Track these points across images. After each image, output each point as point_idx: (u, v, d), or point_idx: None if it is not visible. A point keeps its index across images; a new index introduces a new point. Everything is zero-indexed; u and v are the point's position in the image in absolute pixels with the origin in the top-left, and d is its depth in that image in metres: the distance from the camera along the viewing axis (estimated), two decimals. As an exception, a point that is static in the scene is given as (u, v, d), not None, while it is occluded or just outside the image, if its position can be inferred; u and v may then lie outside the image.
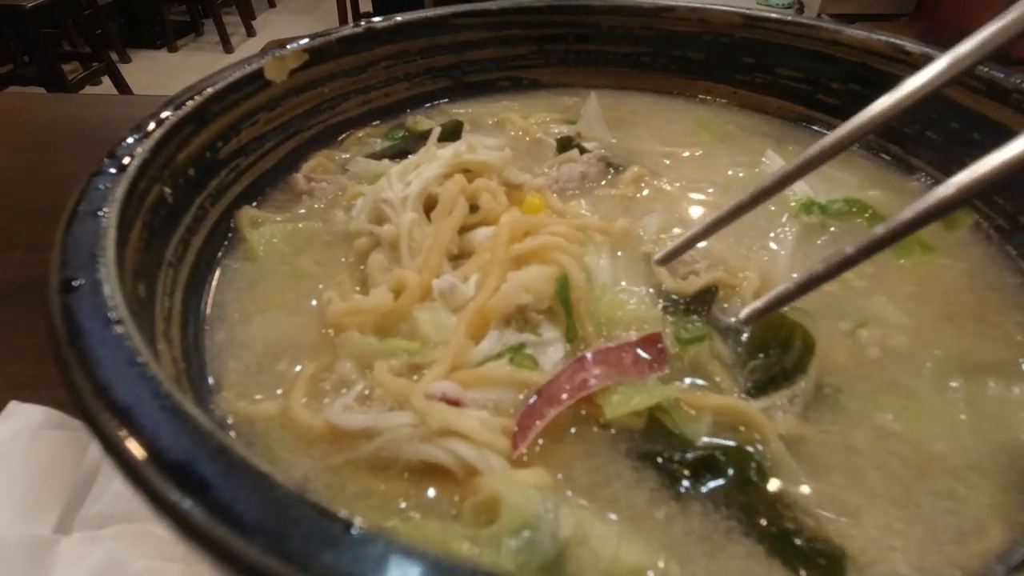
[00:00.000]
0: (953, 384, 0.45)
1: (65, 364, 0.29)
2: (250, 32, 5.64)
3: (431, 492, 0.39)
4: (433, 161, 0.60)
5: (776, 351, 0.47)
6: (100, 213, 0.40)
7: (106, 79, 4.07)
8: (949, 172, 0.71)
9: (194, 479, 0.24)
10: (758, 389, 0.46)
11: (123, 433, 0.26)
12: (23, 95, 1.36)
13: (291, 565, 0.22)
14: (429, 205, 0.58)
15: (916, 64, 0.69)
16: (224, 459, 0.25)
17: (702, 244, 0.60)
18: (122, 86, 4.01)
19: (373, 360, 0.46)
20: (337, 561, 0.22)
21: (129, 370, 0.29)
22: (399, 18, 0.79)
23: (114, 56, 4.32)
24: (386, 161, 0.67)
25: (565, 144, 0.74)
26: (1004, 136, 0.60)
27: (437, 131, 0.65)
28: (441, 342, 0.47)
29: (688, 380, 0.46)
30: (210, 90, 0.56)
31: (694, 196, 0.68)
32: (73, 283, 0.34)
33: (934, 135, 0.69)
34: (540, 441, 0.41)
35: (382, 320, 0.50)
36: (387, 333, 0.49)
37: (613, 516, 0.38)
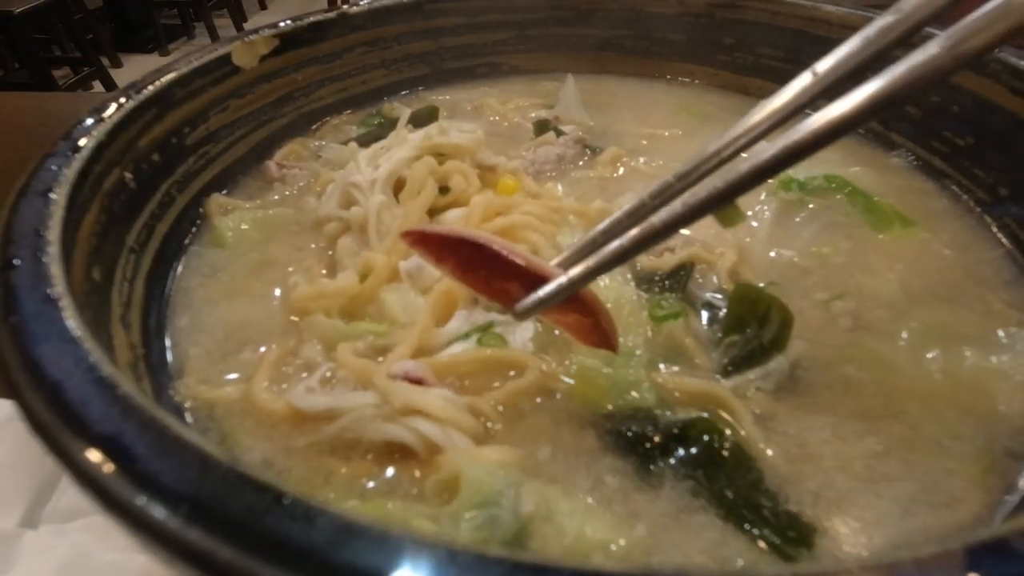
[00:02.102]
0: (930, 355, 0.44)
1: (-4, 340, 0.28)
2: (242, 34, 5.62)
3: (393, 472, 0.38)
4: (403, 144, 0.59)
5: (754, 327, 0.46)
6: (49, 194, 0.39)
7: (97, 83, 4.06)
8: (930, 147, 0.71)
9: (120, 451, 0.23)
10: (734, 366, 0.45)
11: (49, 407, 0.25)
12: (6, 94, 1.34)
13: (215, 536, 0.21)
14: (399, 188, 0.57)
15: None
16: (153, 431, 0.24)
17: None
18: (113, 90, 3.99)
19: (338, 343, 0.45)
20: (265, 531, 0.21)
21: (62, 347, 0.28)
22: (374, 4, 0.78)
23: (105, 60, 4.31)
24: (353, 144, 0.66)
25: (542, 127, 0.73)
26: (984, 108, 0.60)
27: (407, 114, 0.64)
28: (409, 323, 0.46)
29: (663, 358, 0.45)
30: (172, 75, 0.55)
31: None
32: (14, 261, 0.33)
33: (914, 110, 0.67)
34: (500, 408, 0.40)
35: (349, 303, 0.49)
36: (355, 316, 0.48)
37: (580, 491, 0.37)
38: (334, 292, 0.48)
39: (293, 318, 0.49)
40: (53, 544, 0.48)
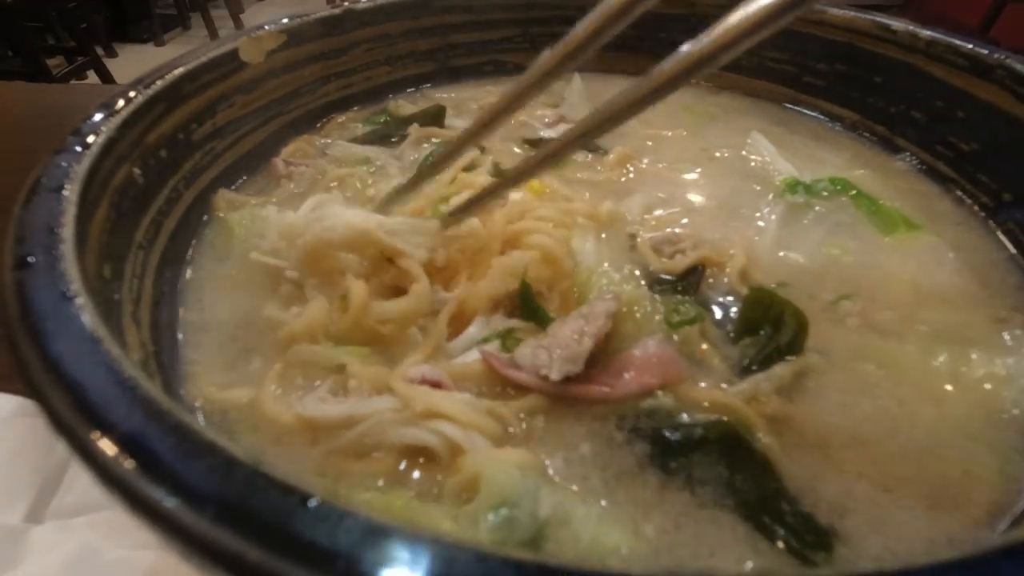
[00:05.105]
0: (939, 357, 0.45)
1: (15, 341, 0.28)
2: (238, 26, 5.57)
3: (415, 475, 0.38)
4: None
5: (768, 330, 0.46)
6: (62, 190, 0.38)
7: (92, 73, 4.01)
8: (935, 151, 0.71)
9: (145, 452, 0.23)
10: (749, 370, 0.45)
11: (73, 408, 0.25)
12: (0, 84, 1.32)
13: (242, 537, 0.21)
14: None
15: (901, 42, 0.68)
16: (178, 432, 0.24)
17: (684, 220, 0.60)
18: (108, 80, 3.95)
19: (334, 364, 0.43)
20: (292, 533, 0.21)
21: (82, 346, 0.28)
22: (379, 0, 0.77)
23: (100, 50, 4.26)
24: (356, 146, 0.65)
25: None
26: (988, 114, 0.60)
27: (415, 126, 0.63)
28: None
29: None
30: (181, 70, 0.55)
31: (677, 177, 0.67)
32: (28, 259, 0.32)
33: (918, 114, 0.68)
34: (520, 413, 0.40)
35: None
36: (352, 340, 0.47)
37: (597, 495, 0.37)
38: (319, 324, 0.45)
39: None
40: (60, 540, 0.48)
